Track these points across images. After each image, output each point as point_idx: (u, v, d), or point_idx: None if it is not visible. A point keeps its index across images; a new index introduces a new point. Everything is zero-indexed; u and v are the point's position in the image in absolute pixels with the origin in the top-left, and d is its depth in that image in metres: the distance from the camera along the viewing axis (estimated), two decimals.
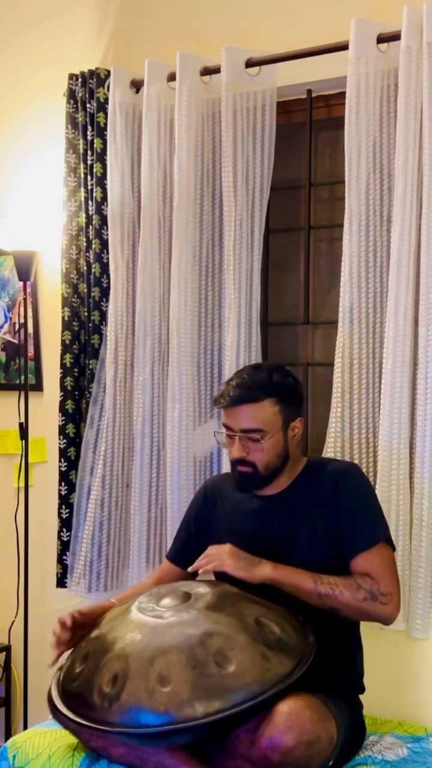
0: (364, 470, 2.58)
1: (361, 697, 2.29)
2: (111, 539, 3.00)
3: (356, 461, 2.58)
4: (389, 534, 2.24)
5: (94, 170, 3.00)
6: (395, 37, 2.48)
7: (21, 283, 3.24)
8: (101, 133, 2.99)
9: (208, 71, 2.82)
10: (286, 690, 1.91)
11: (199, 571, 2.20)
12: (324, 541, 2.20)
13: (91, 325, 3.03)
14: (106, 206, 3.00)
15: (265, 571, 2.11)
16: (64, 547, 3.09)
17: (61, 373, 3.09)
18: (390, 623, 2.18)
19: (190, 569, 2.19)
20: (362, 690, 2.31)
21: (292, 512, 2.26)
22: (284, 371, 2.29)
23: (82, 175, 3.06)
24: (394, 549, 2.24)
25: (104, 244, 3.02)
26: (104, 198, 3.00)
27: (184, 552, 2.43)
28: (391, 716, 2.48)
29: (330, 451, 2.57)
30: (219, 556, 2.14)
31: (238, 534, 2.30)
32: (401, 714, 2.51)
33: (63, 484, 3.10)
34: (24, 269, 3.17)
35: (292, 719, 1.87)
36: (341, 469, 2.28)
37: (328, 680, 2.03)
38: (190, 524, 2.47)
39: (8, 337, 3.46)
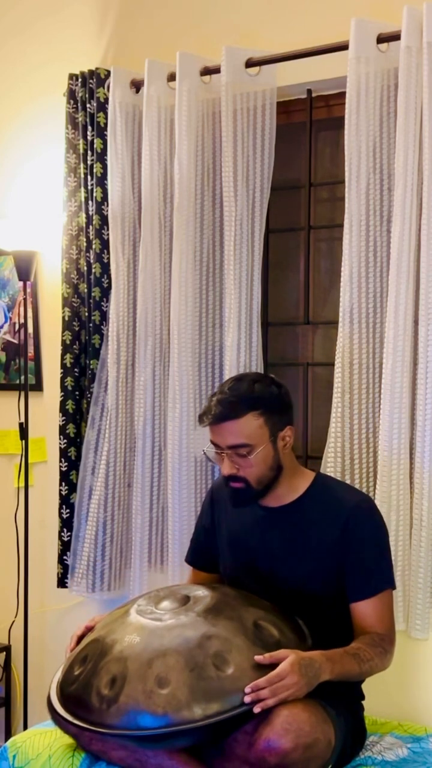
0: (364, 470, 2.59)
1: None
2: (113, 539, 3.00)
3: (356, 461, 2.58)
4: (393, 575, 2.22)
5: (94, 170, 3.00)
6: (395, 37, 2.48)
7: (21, 283, 3.24)
8: (101, 133, 2.99)
9: (208, 71, 2.82)
10: None
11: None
12: (322, 568, 2.17)
13: (91, 325, 3.03)
14: (107, 206, 3.00)
15: (323, 676, 1.97)
16: (64, 548, 3.09)
17: (61, 373, 3.09)
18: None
19: (256, 709, 1.88)
20: (362, 695, 2.29)
21: (294, 530, 2.22)
22: (268, 380, 2.21)
23: (82, 175, 3.06)
24: (394, 587, 2.23)
25: (105, 244, 3.02)
26: (104, 198, 3.00)
27: (203, 557, 2.45)
28: (391, 716, 2.48)
29: (330, 451, 2.57)
30: (290, 687, 1.89)
31: (237, 544, 2.30)
32: (401, 714, 2.51)
33: (63, 484, 3.10)
34: (24, 269, 3.17)
35: (289, 722, 1.86)
36: (355, 505, 2.19)
37: (328, 685, 2.01)
38: (201, 532, 2.46)
39: (8, 337, 3.46)
